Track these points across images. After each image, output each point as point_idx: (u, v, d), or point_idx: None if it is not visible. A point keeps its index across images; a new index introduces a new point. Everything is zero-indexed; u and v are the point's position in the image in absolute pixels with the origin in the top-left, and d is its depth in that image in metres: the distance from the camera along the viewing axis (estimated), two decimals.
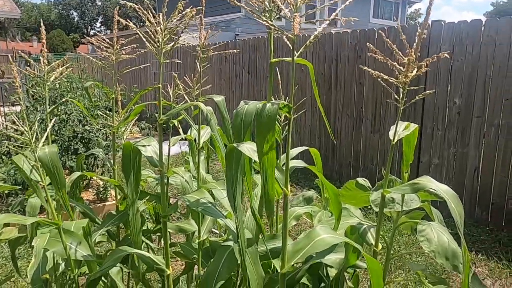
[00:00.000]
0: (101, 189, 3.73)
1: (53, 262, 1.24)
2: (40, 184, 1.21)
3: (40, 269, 1.23)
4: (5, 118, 3.97)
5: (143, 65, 1.87)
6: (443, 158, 3.97)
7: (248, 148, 0.93)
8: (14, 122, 1.26)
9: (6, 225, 1.48)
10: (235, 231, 1.04)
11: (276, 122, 1.45)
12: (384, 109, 4.46)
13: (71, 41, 35.01)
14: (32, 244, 1.27)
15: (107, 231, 1.72)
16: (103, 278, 1.40)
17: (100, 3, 41.22)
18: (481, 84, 3.63)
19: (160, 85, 1.24)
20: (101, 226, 1.56)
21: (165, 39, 1.32)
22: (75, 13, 42.11)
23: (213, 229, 2.75)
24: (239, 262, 1.03)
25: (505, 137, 3.52)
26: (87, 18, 42.16)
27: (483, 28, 3.58)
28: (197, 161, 1.58)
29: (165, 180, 1.39)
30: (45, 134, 1.20)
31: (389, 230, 3.46)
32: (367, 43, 0.94)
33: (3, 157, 3.77)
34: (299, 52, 0.88)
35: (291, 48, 0.86)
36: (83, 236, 1.25)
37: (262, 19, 0.98)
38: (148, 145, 1.27)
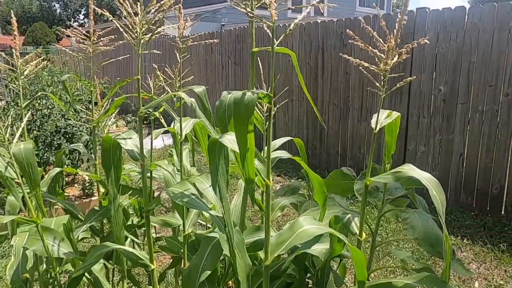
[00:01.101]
0: (87, 184, 3.68)
1: (33, 261, 1.21)
2: (16, 182, 1.18)
3: (20, 269, 1.19)
4: None
5: (123, 57, 1.82)
6: (429, 145, 4.01)
7: (230, 140, 0.91)
8: None
9: None
10: (221, 221, 1.02)
11: (259, 112, 1.43)
12: (371, 98, 4.47)
13: (54, 34, 34.26)
14: (11, 243, 1.23)
15: (91, 227, 1.69)
16: (87, 274, 1.38)
17: None
18: (465, 71, 3.66)
19: (139, 77, 1.21)
20: (84, 222, 1.53)
21: (143, 29, 1.29)
22: (57, 5, 41.17)
23: (200, 221, 2.74)
24: (225, 252, 1.02)
25: (489, 123, 3.56)
26: (70, 10, 41.26)
27: (466, 15, 3.59)
28: (180, 153, 1.55)
29: (147, 174, 1.36)
30: (19, 130, 1.16)
31: (376, 218, 3.48)
32: (348, 30, 0.93)
33: None
34: (278, 41, 0.86)
35: (271, 36, 0.83)
36: (65, 233, 1.22)
37: (241, 7, 0.96)
38: (129, 138, 1.24)
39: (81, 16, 42.32)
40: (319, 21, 5.00)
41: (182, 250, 1.55)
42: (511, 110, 3.42)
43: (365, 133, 4.59)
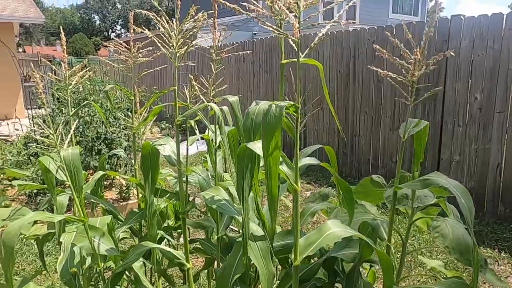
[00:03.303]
0: (124, 188, 3.84)
1: (80, 257, 1.31)
2: (67, 184, 1.28)
3: (68, 264, 1.30)
4: (32, 120, 4.13)
5: (160, 67, 1.93)
6: (465, 154, 3.90)
7: (258, 148, 0.97)
8: (39, 126, 1.34)
9: (35, 222, 1.56)
10: (245, 224, 1.07)
11: (290, 121, 1.48)
12: (403, 106, 4.41)
13: (92, 44, 35.83)
14: (60, 240, 1.34)
15: (130, 228, 1.79)
16: (126, 272, 1.46)
17: (120, 6, 42.01)
18: (503, 78, 3.55)
19: (176, 87, 1.29)
20: (124, 223, 1.63)
21: (179, 43, 1.37)
22: (96, 17, 43.09)
23: (232, 227, 2.80)
24: (253, 261, 1.07)
25: None
26: (108, 21, 43.07)
27: (504, 22, 3.50)
28: (214, 160, 1.63)
29: (184, 178, 1.44)
30: (68, 136, 1.27)
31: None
32: (374, 45, 0.96)
33: (31, 158, 3.93)
34: (304, 54, 0.91)
35: (296, 50, 0.89)
36: (108, 232, 1.32)
37: (266, 25, 1.01)
38: (166, 145, 1.32)
39: (118, 27, 43.99)
40: (350, 29, 5.00)
41: (215, 252, 1.61)
42: None
43: (397, 142, 4.53)
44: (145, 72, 1.90)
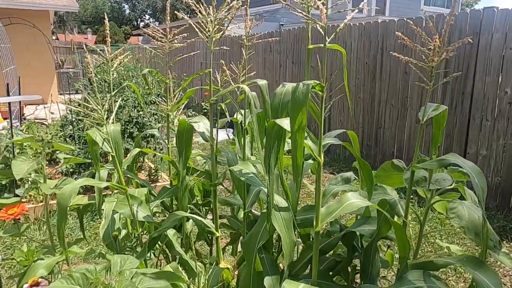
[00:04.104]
0: (153, 171, 4.01)
1: (119, 223, 1.44)
2: (109, 157, 1.41)
3: (110, 228, 1.43)
4: (70, 103, 4.37)
5: (193, 53, 2.03)
6: (492, 149, 3.86)
7: (286, 124, 1.06)
8: (84, 104, 1.48)
9: (79, 193, 1.71)
10: (269, 194, 1.16)
11: (317, 106, 1.55)
12: (430, 99, 4.37)
13: (122, 33, 36.58)
14: (102, 208, 1.48)
15: (162, 203, 1.92)
16: (159, 242, 1.59)
17: None
18: None
19: (211, 70, 1.39)
20: (157, 197, 1.76)
21: (215, 29, 1.47)
22: (126, 6, 43.87)
23: (254, 211, 2.91)
24: (277, 230, 1.17)
25: None
26: (137, 11, 43.78)
27: None
28: (243, 142, 1.73)
29: (215, 153, 1.54)
30: (113, 114, 1.40)
31: (425, 209, 3.46)
32: (397, 32, 1.03)
33: (67, 139, 4.16)
34: (330, 38, 0.99)
35: (323, 34, 0.96)
36: (145, 201, 1.45)
37: (297, 10, 1.09)
38: (200, 122, 1.43)
39: (147, 16, 44.64)
40: (379, 20, 4.97)
41: (241, 228, 1.72)
42: None
43: (423, 135, 4.50)
44: (179, 58, 2.01)
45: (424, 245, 3.07)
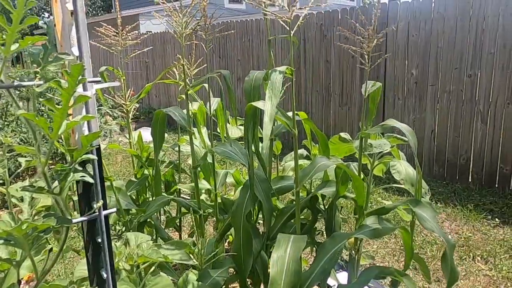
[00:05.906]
0: None
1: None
2: None
3: None
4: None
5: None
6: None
7: (261, 105, 1.24)
8: None
9: None
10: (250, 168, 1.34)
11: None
12: (351, 84, 4.87)
13: None
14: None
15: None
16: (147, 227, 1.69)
17: None
18: (433, 56, 4.09)
19: (183, 63, 1.52)
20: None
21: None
22: None
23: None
24: (258, 197, 1.36)
25: (455, 101, 4.01)
26: None
27: (433, 5, 4.01)
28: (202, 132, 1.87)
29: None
30: None
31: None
32: (339, 27, 1.26)
33: None
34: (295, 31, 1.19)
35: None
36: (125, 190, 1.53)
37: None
38: (176, 112, 1.55)
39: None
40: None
41: (210, 210, 1.87)
42: (474, 89, 3.88)
43: (346, 117, 4.99)
44: (133, 54, 2.07)
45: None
